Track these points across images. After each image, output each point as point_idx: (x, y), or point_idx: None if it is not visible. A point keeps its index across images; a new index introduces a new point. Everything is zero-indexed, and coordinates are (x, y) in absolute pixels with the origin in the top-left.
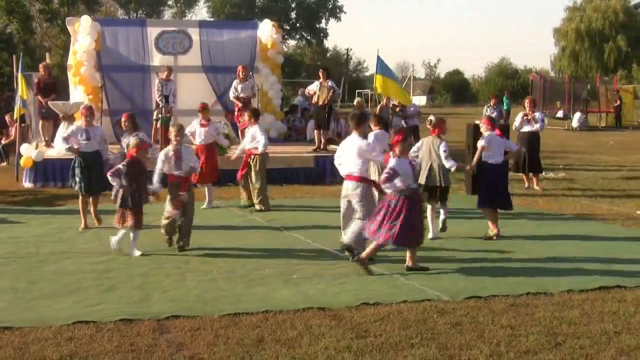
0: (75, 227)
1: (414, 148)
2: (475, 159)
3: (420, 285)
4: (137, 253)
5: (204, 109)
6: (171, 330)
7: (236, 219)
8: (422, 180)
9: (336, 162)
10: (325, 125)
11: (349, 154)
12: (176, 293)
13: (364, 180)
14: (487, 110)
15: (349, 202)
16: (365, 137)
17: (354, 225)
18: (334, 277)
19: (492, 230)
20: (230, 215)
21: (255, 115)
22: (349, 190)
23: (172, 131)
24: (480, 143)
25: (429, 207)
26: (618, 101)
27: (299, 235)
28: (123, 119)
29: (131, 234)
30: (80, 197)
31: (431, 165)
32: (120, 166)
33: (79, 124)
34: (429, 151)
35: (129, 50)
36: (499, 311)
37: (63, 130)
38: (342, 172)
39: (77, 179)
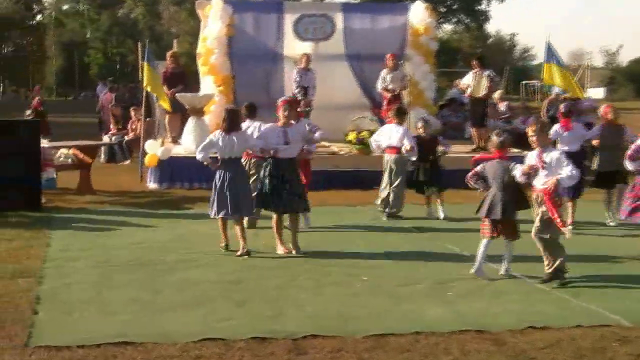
0: (204, 234)
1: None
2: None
3: (597, 307)
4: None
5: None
6: (308, 351)
7: (382, 225)
8: None
9: None
10: (480, 121)
11: None
12: (314, 309)
13: None
14: None
15: None
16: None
17: None
18: (494, 295)
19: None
20: (375, 221)
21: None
22: None
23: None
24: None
25: None
26: None
27: (454, 246)
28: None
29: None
30: (275, 217)
31: None
32: (479, 168)
33: (258, 123)
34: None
35: (264, 36)
36: None
37: (192, 125)
38: None
39: (265, 191)
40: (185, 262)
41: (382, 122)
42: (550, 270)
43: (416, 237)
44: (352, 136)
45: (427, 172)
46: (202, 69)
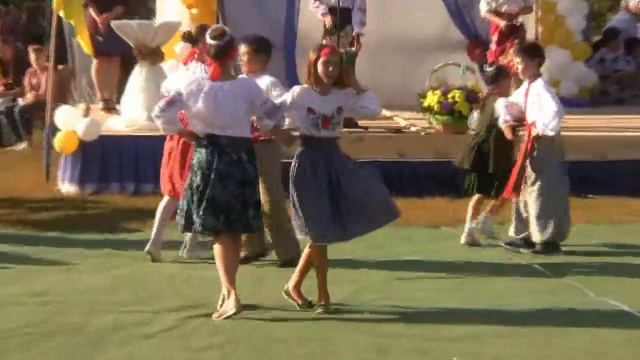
0: (163, 275)
1: None
2: None
3: None
4: None
5: None
6: None
7: (486, 260)
8: None
9: None
10: None
11: None
12: None
13: None
14: None
15: None
16: None
17: None
18: None
19: None
20: (473, 253)
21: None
22: None
23: None
24: None
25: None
26: None
27: (615, 300)
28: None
29: None
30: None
31: None
32: None
33: (199, 75)
34: None
35: None
36: None
37: (141, 78)
38: None
39: (192, 200)
40: (127, 329)
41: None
42: None
43: (544, 282)
44: (432, 99)
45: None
46: None
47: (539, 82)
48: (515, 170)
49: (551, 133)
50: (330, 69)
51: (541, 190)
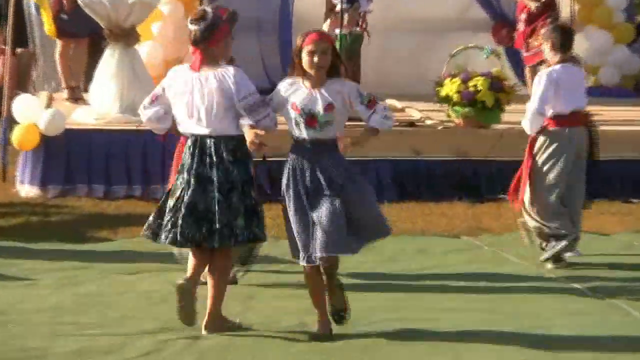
0: (138, 293)
1: None
2: None
3: None
4: None
5: None
6: None
7: (519, 273)
8: None
9: None
10: None
11: None
12: None
13: None
14: None
15: None
16: None
17: None
18: None
19: None
20: (501, 265)
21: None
22: None
23: None
24: None
25: None
26: None
27: None
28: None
29: None
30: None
31: None
32: None
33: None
34: None
35: None
36: None
37: (113, 64)
38: None
39: (167, 205)
40: (94, 355)
41: (514, 57)
42: None
43: (581, 300)
44: (450, 88)
45: None
46: None
47: (543, 70)
48: (519, 174)
49: (529, 131)
50: (316, 59)
51: (545, 194)
